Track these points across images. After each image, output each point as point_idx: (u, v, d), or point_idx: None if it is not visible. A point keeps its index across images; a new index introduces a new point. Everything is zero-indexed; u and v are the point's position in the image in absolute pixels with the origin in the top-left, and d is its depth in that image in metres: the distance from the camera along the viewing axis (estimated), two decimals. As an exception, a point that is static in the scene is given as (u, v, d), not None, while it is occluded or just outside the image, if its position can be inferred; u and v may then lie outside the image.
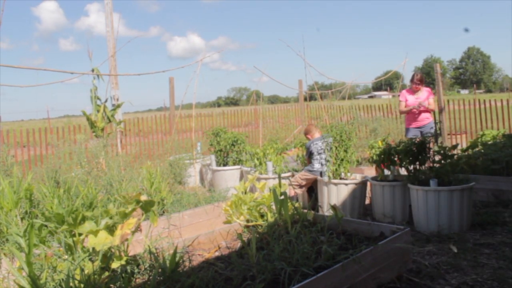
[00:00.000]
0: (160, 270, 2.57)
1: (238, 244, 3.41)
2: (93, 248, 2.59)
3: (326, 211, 5.23)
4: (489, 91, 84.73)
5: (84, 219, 2.69)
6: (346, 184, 5.17)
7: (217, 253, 3.30)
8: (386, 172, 5.17)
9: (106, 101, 7.32)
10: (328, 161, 5.34)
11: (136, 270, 2.71)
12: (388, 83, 30.40)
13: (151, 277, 2.51)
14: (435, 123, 7.44)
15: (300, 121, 11.67)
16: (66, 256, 2.64)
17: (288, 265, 2.62)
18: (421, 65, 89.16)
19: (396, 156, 4.95)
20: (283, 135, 10.26)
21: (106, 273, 2.54)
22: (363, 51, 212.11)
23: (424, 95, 6.96)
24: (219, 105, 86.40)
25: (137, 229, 2.78)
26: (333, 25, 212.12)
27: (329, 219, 3.44)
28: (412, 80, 7.07)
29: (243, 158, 7.42)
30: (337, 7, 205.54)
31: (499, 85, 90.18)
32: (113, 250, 2.66)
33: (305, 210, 3.61)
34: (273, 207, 3.67)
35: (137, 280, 2.67)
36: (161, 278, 2.53)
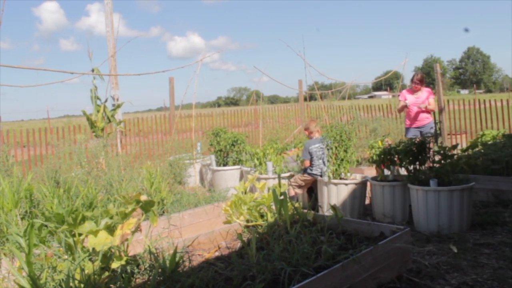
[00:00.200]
0: (160, 270, 2.57)
1: (238, 244, 3.41)
2: (93, 248, 2.59)
3: (326, 211, 5.23)
4: (489, 91, 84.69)
5: (84, 219, 2.69)
6: (346, 184, 5.17)
7: (217, 253, 3.30)
8: (386, 172, 5.18)
9: (106, 101, 7.31)
10: (328, 161, 5.35)
11: (136, 270, 2.71)
12: (388, 83, 30.36)
13: (151, 277, 2.51)
14: (435, 123, 7.44)
15: (300, 121, 11.65)
16: (66, 256, 2.64)
17: (288, 265, 2.62)
18: (421, 65, 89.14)
19: (396, 156, 4.95)
20: (283, 135, 10.27)
21: (106, 273, 2.54)
22: (363, 51, 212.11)
23: (424, 95, 6.96)
24: (219, 105, 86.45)
25: (137, 229, 2.78)
26: (333, 25, 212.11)
27: (329, 219, 3.44)
28: (412, 80, 7.08)
29: (243, 158, 7.42)
30: (337, 7, 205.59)
31: (499, 85, 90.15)
32: (113, 250, 2.66)
33: (305, 210, 3.61)
34: (273, 207, 3.67)
35: (137, 280, 2.67)
36: (161, 278, 2.53)
